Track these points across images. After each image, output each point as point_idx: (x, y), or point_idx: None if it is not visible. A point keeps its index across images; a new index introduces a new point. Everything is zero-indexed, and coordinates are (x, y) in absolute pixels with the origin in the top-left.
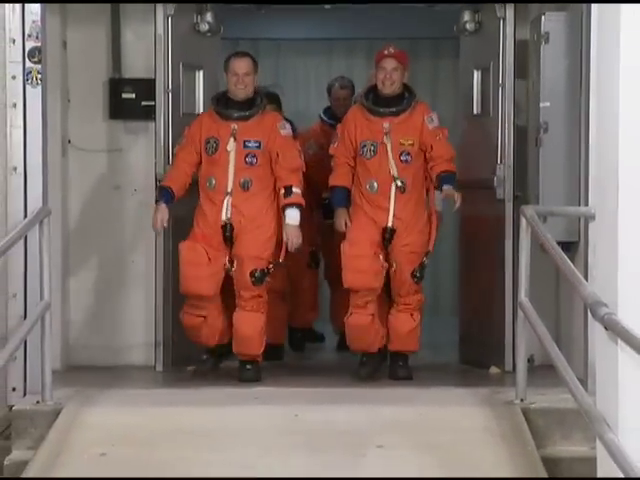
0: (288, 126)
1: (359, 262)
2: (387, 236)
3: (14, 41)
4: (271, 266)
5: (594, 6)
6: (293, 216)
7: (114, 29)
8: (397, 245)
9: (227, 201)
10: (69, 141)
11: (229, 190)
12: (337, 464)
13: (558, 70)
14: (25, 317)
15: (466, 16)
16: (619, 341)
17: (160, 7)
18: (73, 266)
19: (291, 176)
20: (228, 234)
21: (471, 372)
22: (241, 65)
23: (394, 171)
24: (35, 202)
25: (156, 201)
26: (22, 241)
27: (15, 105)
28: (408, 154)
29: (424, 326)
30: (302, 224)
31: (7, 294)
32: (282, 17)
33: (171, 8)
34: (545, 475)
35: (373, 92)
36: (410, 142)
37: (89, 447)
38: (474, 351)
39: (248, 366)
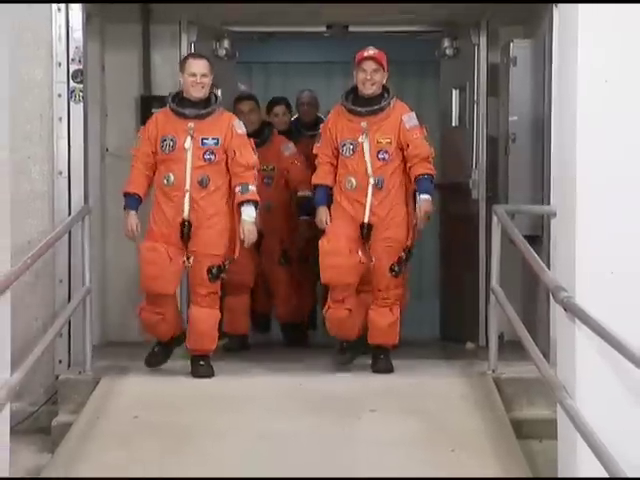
0: (242, 125)
1: (335, 259)
2: (365, 231)
3: (60, 64)
4: (227, 262)
5: (555, 35)
6: (249, 213)
7: (145, 54)
8: (375, 240)
9: (186, 198)
10: (107, 149)
11: (187, 187)
12: (336, 425)
13: (524, 89)
14: (69, 300)
15: (446, 43)
16: (576, 320)
17: (184, 34)
18: (110, 256)
19: (247, 173)
20: (186, 231)
21: (450, 347)
22: (199, 66)
23: (369, 169)
24: (78, 202)
25: (124, 208)
26: (67, 235)
27: (61, 119)
28: (386, 152)
29: (410, 308)
30: (275, 222)
31: (54, 280)
32: (288, 44)
33: (193, 35)
34: (512, 434)
35: (353, 93)
36: (388, 140)
37: (123, 411)
38: (453, 329)
39: (201, 362)
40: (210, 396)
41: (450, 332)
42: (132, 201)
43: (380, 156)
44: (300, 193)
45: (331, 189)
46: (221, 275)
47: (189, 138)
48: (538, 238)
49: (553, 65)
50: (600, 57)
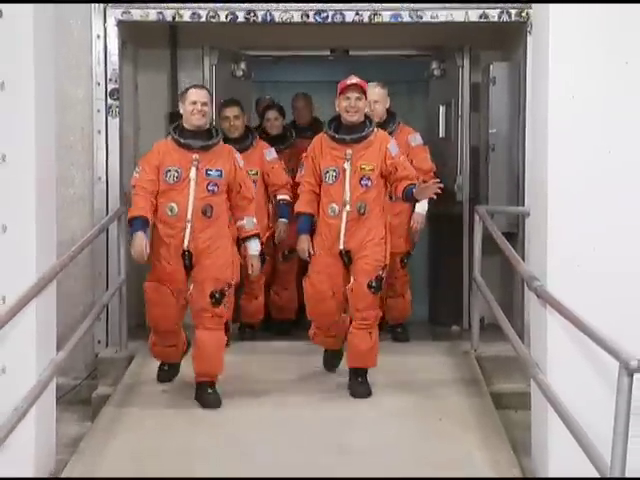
0: (241, 157)
1: (319, 305)
2: (345, 259)
3: (99, 84)
4: (228, 287)
5: (529, 58)
6: (255, 247)
7: (172, 74)
8: (354, 260)
9: (189, 228)
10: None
11: (189, 217)
12: (338, 395)
13: (502, 105)
14: (107, 289)
15: (434, 65)
16: (547, 306)
17: (207, 58)
18: None
19: (250, 206)
20: (187, 261)
21: (437, 330)
22: (199, 94)
23: (347, 196)
24: (114, 203)
25: (131, 233)
26: (105, 233)
27: (100, 132)
28: (368, 179)
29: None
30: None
31: (94, 271)
32: (297, 65)
33: (215, 58)
34: (492, 405)
35: (336, 121)
36: (371, 167)
37: (154, 385)
38: (440, 314)
39: (209, 390)
40: (234, 375)
41: (438, 316)
42: (139, 223)
43: (363, 182)
44: (279, 197)
45: (313, 217)
46: (224, 300)
47: (194, 169)
48: (514, 234)
49: (527, 84)
50: (568, 77)
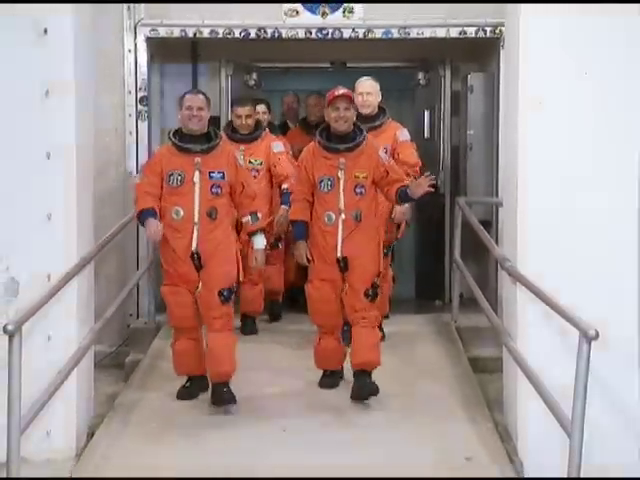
0: (240, 156)
1: (323, 306)
2: (342, 265)
3: (130, 92)
4: (236, 284)
5: (502, 69)
6: (260, 242)
7: (194, 84)
8: (351, 268)
9: (196, 231)
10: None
11: (196, 220)
12: None
13: (479, 110)
14: (137, 269)
15: (419, 75)
16: (517, 283)
17: (223, 69)
18: None
19: (254, 203)
20: (197, 263)
21: (422, 304)
22: (194, 100)
23: (342, 204)
24: None
25: (142, 223)
26: (134, 221)
27: (131, 133)
28: (362, 186)
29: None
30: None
31: (126, 254)
32: (301, 76)
33: (230, 70)
34: (469, 368)
35: (326, 130)
36: (364, 175)
37: None
38: (425, 291)
39: (224, 389)
40: (251, 345)
41: (423, 293)
42: (147, 212)
43: (357, 190)
44: (284, 186)
45: (308, 224)
46: (232, 297)
47: (197, 172)
48: (489, 222)
49: (500, 91)
50: (535, 85)
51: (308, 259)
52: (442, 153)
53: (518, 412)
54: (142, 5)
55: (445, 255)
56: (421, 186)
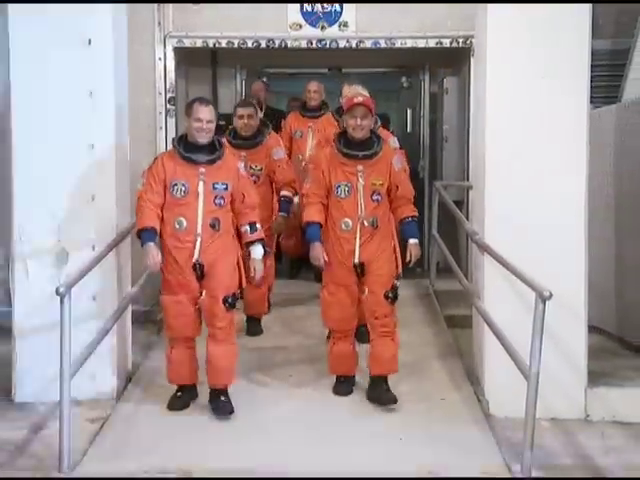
0: (244, 166)
1: (338, 312)
2: (359, 270)
3: (160, 94)
4: (239, 291)
5: (472, 73)
6: (259, 252)
7: (213, 86)
8: (368, 273)
9: (198, 242)
10: None
11: (199, 231)
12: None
13: (453, 108)
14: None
15: (403, 79)
16: (485, 253)
17: (238, 74)
18: None
19: (254, 213)
20: (199, 272)
21: (405, 271)
22: (205, 112)
23: (362, 211)
24: None
25: (142, 244)
26: None
27: (161, 128)
28: (379, 194)
29: None
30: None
31: None
32: (304, 79)
33: (244, 74)
34: (444, 324)
35: (344, 136)
36: (380, 182)
37: None
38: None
39: (222, 397)
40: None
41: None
42: (149, 234)
43: (374, 197)
44: (282, 193)
45: (322, 226)
46: (235, 304)
47: (201, 183)
48: (461, 202)
49: (470, 92)
50: (500, 87)
51: (325, 261)
52: (422, 144)
53: (485, 361)
54: (170, 20)
55: (424, 230)
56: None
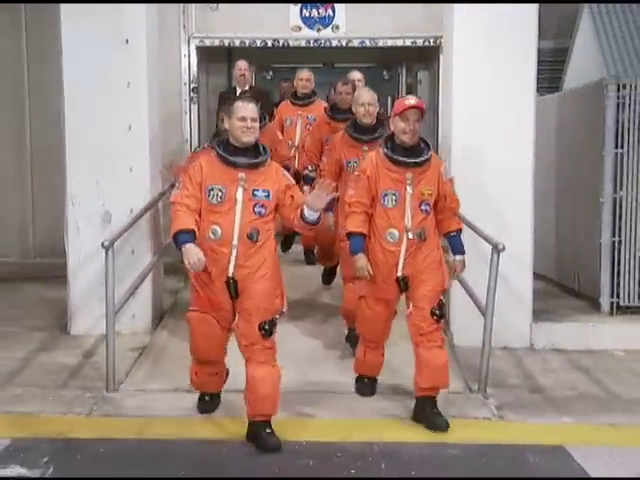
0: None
1: (375, 326)
2: (402, 284)
3: (185, 84)
4: (277, 316)
5: (441, 68)
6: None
7: (229, 78)
8: (414, 287)
9: (234, 254)
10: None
11: (235, 242)
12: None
13: (425, 97)
14: None
15: (384, 72)
16: None
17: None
18: None
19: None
20: (233, 289)
21: None
22: (249, 109)
23: (409, 222)
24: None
25: (179, 247)
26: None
27: (186, 113)
28: (427, 204)
29: None
30: None
31: None
32: None
33: (254, 68)
34: None
35: (391, 140)
36: (430, 192)
37: None
38: None
39: (267, 430)
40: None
41: None
42: (185, 236)
43: (422, 207)
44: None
45: (365, 237)
46: (274, 330)
47: (240, 189)
48: None
49: (440, 83)
50: (464, 79)
51: (369, 273)
52: None
53: (450, 301)
54: (193, 23)
55: None
56: (456, 271)
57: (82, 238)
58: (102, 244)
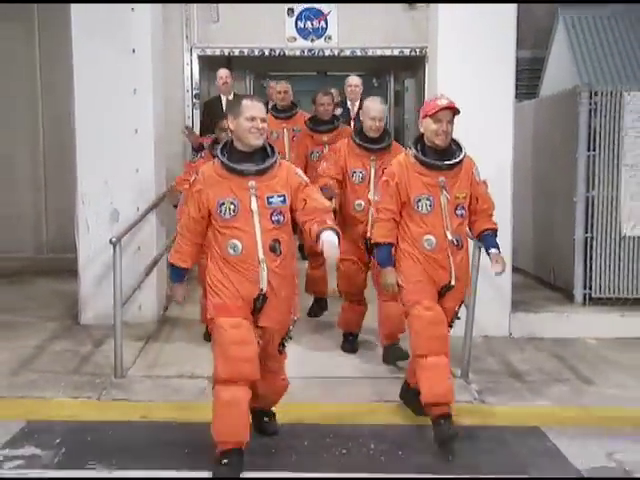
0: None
1: (439, 329)
2: (444, 291)
3: (188, 90)
4: (292, 327)
5: (426, 76)
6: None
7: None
8: (450, 293)
9: (265, 270)
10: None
11: (261, 256)
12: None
13: (411, 102)
14: None
15: (374, 80)
16: None
17: (248, 76)
18: None
19: (326, 216)
20: (260, 305)
21: None
22: (257, 109)
23: (449, 227)
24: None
25: (173, 280)
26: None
27: (188, 117)
28: (463, 208)
29: None
30: None
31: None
32: (299, 80)
33: (252, 76)
34: None
35: (420, 142)
36: (464, 195)
37: None
38: None
39: (266, 418)
40: None
41: None
42: (179, 274)
43: (458, 212)
44: None
45: (393, 247)
46: (287, 342)
47: (254, 199)
48: None
49: (425, 90)
50: (445, 85)
51: (400, 286)
52: (390, 129)
53: None
54: (195, 34)
55: None
56: (500, 266)
57: (92, 235)
58: (110, 240)
